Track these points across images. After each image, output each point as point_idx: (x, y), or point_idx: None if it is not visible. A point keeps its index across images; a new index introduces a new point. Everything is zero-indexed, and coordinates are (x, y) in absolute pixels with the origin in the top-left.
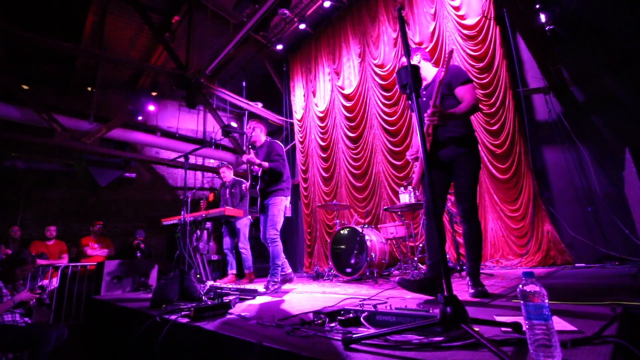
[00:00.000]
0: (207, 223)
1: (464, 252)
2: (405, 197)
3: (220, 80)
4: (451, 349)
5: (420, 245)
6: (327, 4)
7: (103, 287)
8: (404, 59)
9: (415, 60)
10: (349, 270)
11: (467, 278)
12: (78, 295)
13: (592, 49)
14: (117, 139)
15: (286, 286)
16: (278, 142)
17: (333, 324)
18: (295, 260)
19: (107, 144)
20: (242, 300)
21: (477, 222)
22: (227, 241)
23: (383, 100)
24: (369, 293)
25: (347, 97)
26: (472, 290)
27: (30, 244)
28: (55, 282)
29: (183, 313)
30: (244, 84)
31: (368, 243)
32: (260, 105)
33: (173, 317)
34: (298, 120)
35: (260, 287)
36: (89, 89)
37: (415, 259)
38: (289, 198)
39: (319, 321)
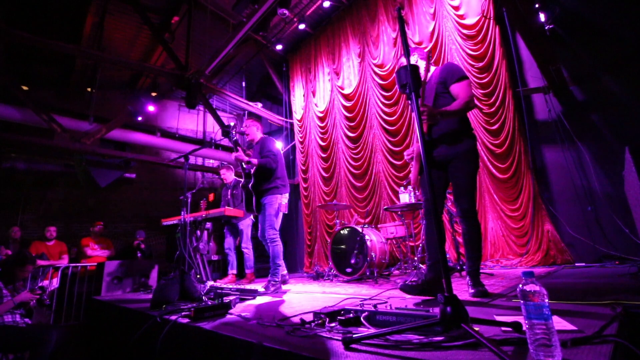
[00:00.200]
0: (207, 223)
1: (464, 252)
2: (405, 197)
3: (220, 81)
4: (451, 348)
5: (421, 245)
6: (326, 4)
7: (103, 288)
8: (402, 59)
9: (412, 60)
10: (349, 270)
11: (467, 278)
12: (78, 295)
13: (591, 48)
14: (117, 139)
15: (286, 286)
16: (271, 138)
17: (333, 324)
18: (295, 260)
19: (107, 145)
20: (242, 300)
21: (477, 222)
22: (229, 241)
23: (383, 100)
24: (369, 293)
25: (346, 97)
26: (472, 290)
27: (30, 244)
28: (55, 282)
29: (183, 313)
30: (243, 84)
31: (368, 243)
32: (259, 105)
33: (173, 317)
34: (298, 120)
35: (260, 287)
36: (89, 89)
37: (416, 258)
38: (285, 195)
39: (319, 321)
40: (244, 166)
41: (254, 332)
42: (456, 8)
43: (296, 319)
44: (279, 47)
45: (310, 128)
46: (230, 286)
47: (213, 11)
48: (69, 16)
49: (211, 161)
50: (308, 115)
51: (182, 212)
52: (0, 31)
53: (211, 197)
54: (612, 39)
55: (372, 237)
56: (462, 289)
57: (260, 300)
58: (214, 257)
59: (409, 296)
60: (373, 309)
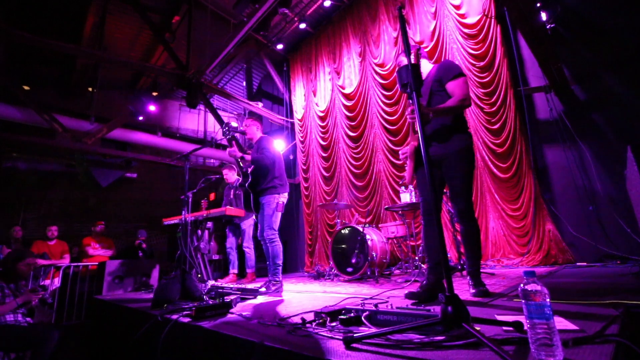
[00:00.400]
0: (208, 223)
1: (464, 252)
2: (406, 197)
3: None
4: (452, 348)
5: (421, 245)
6: (327, 4)
7: (104, 287)
8: (401, 58)
9: (403, 59)
10: (350, 269)
11: (468, 277)
12: (79, 295)
13: (593, 47)
14: (118, 139)
15: (287, 286)
16: (269, 137)
17: (334, 324)
18: (296, 260)
19: (108, 144)
20: (243, 299)
21: (475, 222)
22: (231, 241)
23: (384, 100)
24: (370, 292)
25: (347, 97)
26: (473, 290)
27: (32, 244)
28: (56, 282)
29: (184, 313)
30: (244, 83)
31: (369, 242)
32: (260, 104)
33: (174, 316)
34: (299, 119)
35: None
36: (90, 89)
37: (416, 258)
38: (283, 195)
39: (320, 320)
40: (241, 164)
41: (255, 331)
42: (457, 7)
43: (297, 319)
44: (279, 46)
45: (311, 127)
46: (231, 285)
47: (213, 11)
48: (70, 16)
49: (212, 161)
50: (309, 115)
51: (183, 212)
52: (1, 31)
53: (212, 196)
54: (613, 38)
55: (373, 237)
56: (463, 288)
57: (261, 299)
58: (215, 257)
59: None
60: (374, 308)
